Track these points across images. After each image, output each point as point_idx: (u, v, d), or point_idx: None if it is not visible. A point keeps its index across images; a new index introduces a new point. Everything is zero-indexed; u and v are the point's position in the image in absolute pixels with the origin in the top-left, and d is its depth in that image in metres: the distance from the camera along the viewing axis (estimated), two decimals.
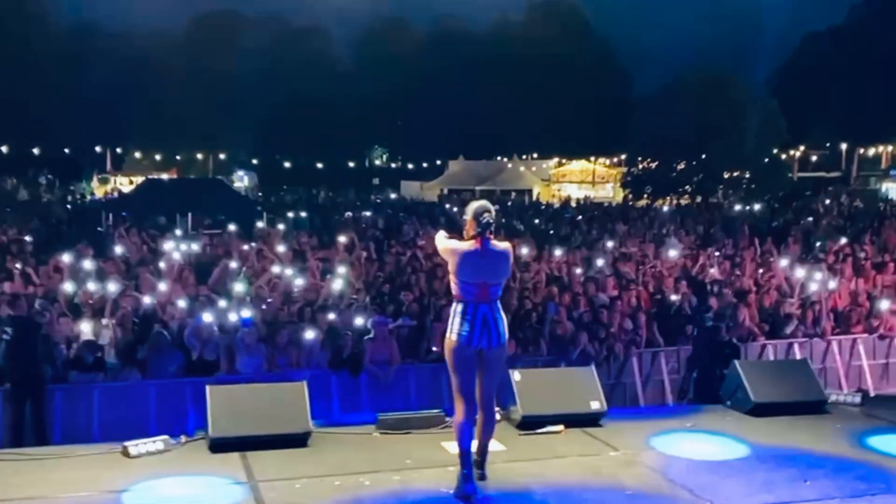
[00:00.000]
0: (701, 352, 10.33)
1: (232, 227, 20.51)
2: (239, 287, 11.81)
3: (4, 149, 53.95)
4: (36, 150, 54.40)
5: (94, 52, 53.39)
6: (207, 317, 10.35)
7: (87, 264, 13.53)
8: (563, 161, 54.63)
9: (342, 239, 16.33)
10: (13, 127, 51.59)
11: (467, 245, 5.98)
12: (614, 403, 9.46)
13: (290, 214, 26.28)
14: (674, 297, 12.48)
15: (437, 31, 64.97)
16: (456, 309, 5.99)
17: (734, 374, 8.19)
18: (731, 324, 11.26)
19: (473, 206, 6.09)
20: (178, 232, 20.01)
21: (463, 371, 5.95)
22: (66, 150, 55.85)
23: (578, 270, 14.54)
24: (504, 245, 6.12)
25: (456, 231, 6.59)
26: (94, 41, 55.30)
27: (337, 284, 12.63)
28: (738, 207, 30.40)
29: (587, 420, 7.46)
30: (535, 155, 58.15)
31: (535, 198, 43.75)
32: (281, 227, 21.35)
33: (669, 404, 10.98)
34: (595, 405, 7.50)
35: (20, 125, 51.36)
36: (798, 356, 11.58)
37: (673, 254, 15.54)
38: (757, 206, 30.78)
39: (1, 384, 9.12)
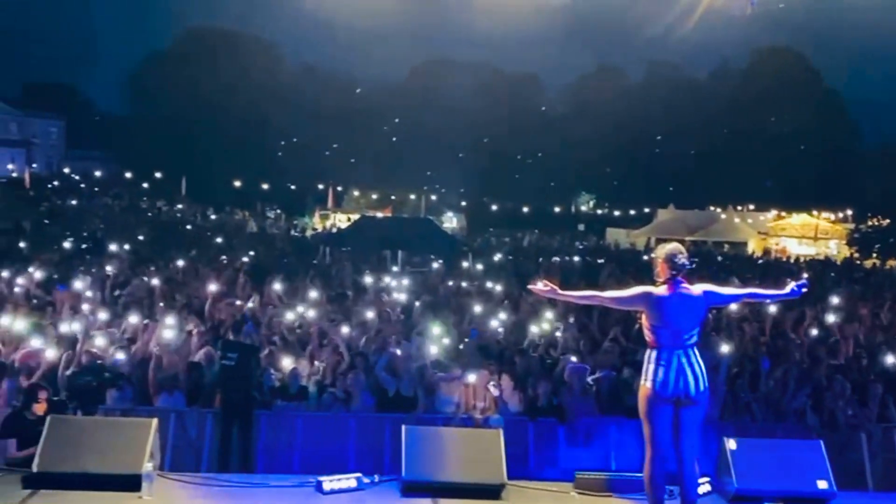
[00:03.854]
0: None
1: (436, 266, 20.90)
2: (436, 329, 11.72)
3: (238, 183, 58.29)
4: (265, 186, 58.43)
5: (320, 94, 56.84)
6: (399, 352, 10.35)
7: (311, 294, 14.05)
8: (783, 214, 51.69)
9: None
10: (246, 163, 55.84)
11: (659, 289, 5.84)
12: (834, 481, 8.45)
13: (496, 257, 26.41)
14: None
15: (652, 78, 63.96)
16: (650, 355, 5.85)
17: None
18: None
19: (665, 247, 5.97)
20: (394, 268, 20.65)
21: (657, 420, 5.77)
22: (292, 187, 59.63)
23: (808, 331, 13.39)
24: (699, 288, 5.90)
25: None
26: (320, 85, 58.93)
27: (538, 328, 12.35)
28: None
29: (811, 501, 6.66)
30: (751, 206, 55.47)
31: (750, 251, 41.56)
32: (479, 267, 21.51)
33: None
34: (822, 485, 6.68)
35: (252, 162, 55.50)
36: None
37: None
38: None
39: (211, 406, 9.44)
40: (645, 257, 29.49)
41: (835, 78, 60.10)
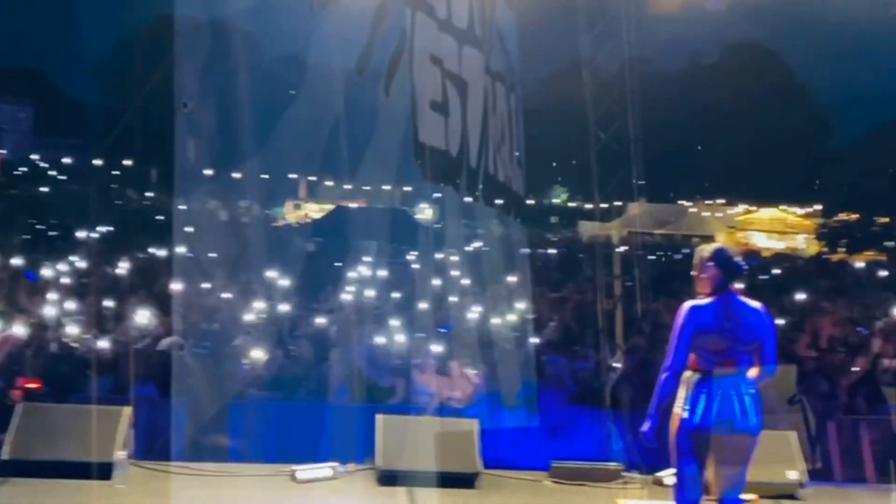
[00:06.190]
0: None
1: (410, 257, 20.88)
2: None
3: (209, 172, 57.74)
4: (237, 175, 57.89)
5: (296, 83, 56.47)
6: (379, 341, 10.39)
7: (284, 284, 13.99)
8: (751, 208, 52.17)
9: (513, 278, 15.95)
10: (219, 152, 55.34)
11: (704, 301, 4.97)
12: None
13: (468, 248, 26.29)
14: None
15: (625, 73, 64.22)
16: (690, 379, 4.95)
17: None
18: None
19: (710, 248, 5.13)
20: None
21: (687, 456, 4.93)
22: (265, 176, 59.12)
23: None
24: (756, 303, 5.07)
25: None
26: (298, 73, 58.56)
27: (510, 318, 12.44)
28: None
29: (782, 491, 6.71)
30: (721, 200, 55.92)
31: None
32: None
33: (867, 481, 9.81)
34: (792, 475, 6.74)
35: (224, 150, 54.99)
36: None
37: None
38: None
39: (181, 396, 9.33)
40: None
41: (806, 73, 60.50)
